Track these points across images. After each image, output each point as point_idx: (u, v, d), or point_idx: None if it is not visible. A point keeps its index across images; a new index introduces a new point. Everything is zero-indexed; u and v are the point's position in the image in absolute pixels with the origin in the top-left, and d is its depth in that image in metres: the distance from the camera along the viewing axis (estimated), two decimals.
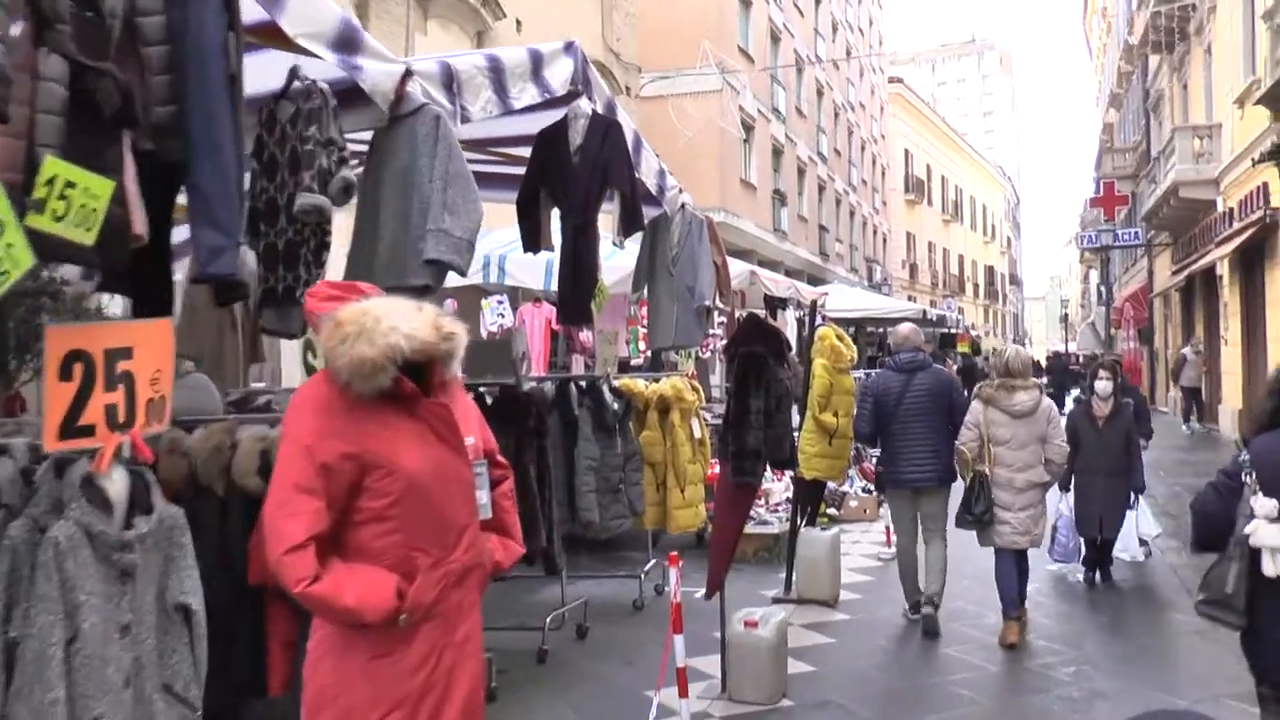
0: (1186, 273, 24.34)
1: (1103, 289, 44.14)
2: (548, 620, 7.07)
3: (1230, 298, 21.71)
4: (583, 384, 7.16)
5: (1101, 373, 8.91)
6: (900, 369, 7.86)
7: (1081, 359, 41.43)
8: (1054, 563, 9.33)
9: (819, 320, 9.73)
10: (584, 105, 6.07)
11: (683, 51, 26.92)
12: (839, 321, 28.78)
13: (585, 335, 12.85)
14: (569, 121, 6.09)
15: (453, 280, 12.43)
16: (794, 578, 8.35)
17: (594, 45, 20.61)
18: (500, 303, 12.65)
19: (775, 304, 18.16)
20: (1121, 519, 8.87)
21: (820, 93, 39.86)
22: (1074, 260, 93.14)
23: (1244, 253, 19.28)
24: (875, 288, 43.29)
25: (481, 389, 6.03)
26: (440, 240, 4.45)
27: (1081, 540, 9.09)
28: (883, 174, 54.10)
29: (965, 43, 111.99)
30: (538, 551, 5.83)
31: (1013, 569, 7.33)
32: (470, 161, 7.18)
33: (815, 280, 32.00)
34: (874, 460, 17.26)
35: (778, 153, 33.75)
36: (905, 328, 8.33)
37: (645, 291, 8.09)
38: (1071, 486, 8.93)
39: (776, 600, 8.24)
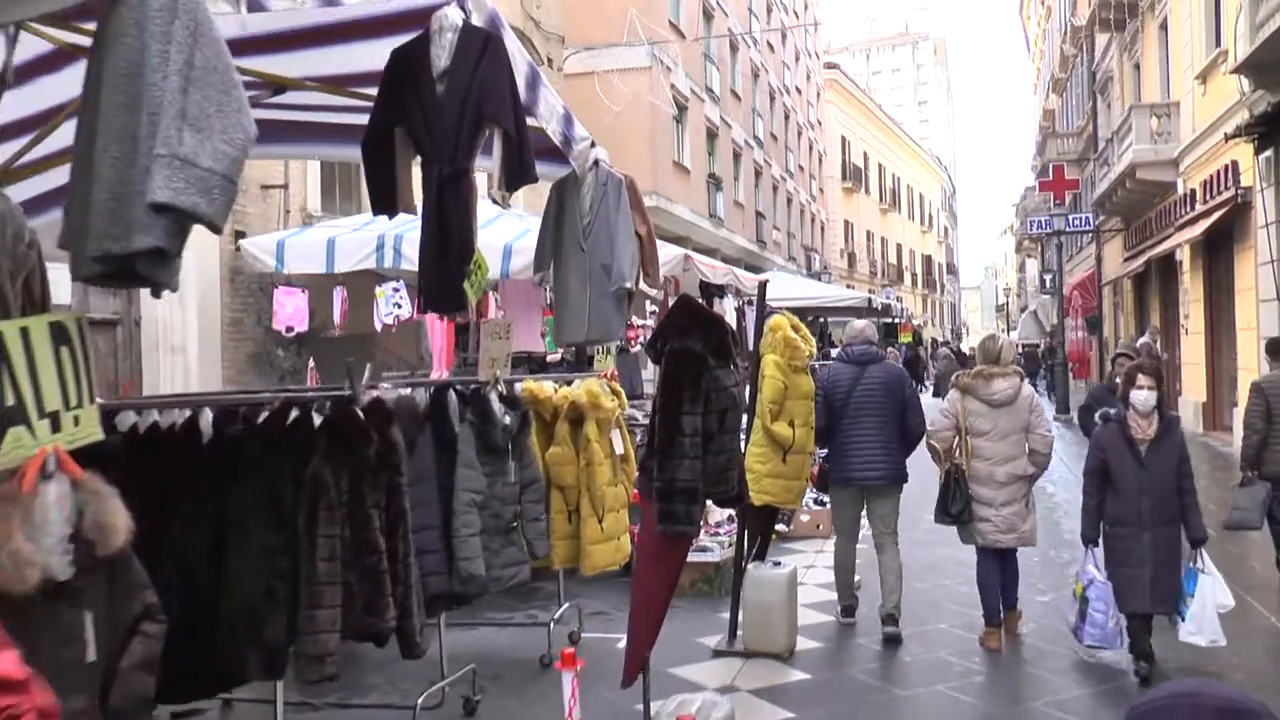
0: (1144, 259, 23.15)
1: (1046, 277, 43.25)
2: (419, 701, 5.39)
3: (1192, 284, 20.52)
4: (466, 392, 5.49)
5: (1140, 379, 6.37)
6: (852, 361, 7.48)
7: (1022, 349, 40.48)
8: (1086, 647, 6.62)
9: (768, 308, 8.15)
10: (452, 14, 4.39)
11: (610, 25, 25.23)
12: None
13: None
14: (431, 37, 4.41)
15: (342, 265, 10.59)
16: (740, 627, 6.76)
17: (511, 10, 18.87)
18: (397, 290, 10.92)
19: (712, 292, 16.60)
20: (1178, 584, 6.29)
21: (755, 74, 38.39)
22: (1010, 250, 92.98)
23: (1209, 236, 18.04)
24: (814, 276, 41.91)
25: (308, 404, 4.32)
26: (175, 173, 2.77)
27: (1123, 619, 6.41)
28: (820, 161, 52.89)
29: (899, 33, 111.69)
30: (384, 631, 4.16)
31: (995, 570, 6.95)
32: (321, 108, 5.54)
33: (753, 269, 30.46)
34: (817, 460, 15.92)
35: (712, 135, 32.20)
36: (861, 322, 8.11)
37: (551, 273, 6.48)
38: (1102, 541, 6.50)
39: (718, 653, 6.65)
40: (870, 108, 65.53)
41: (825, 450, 7.79)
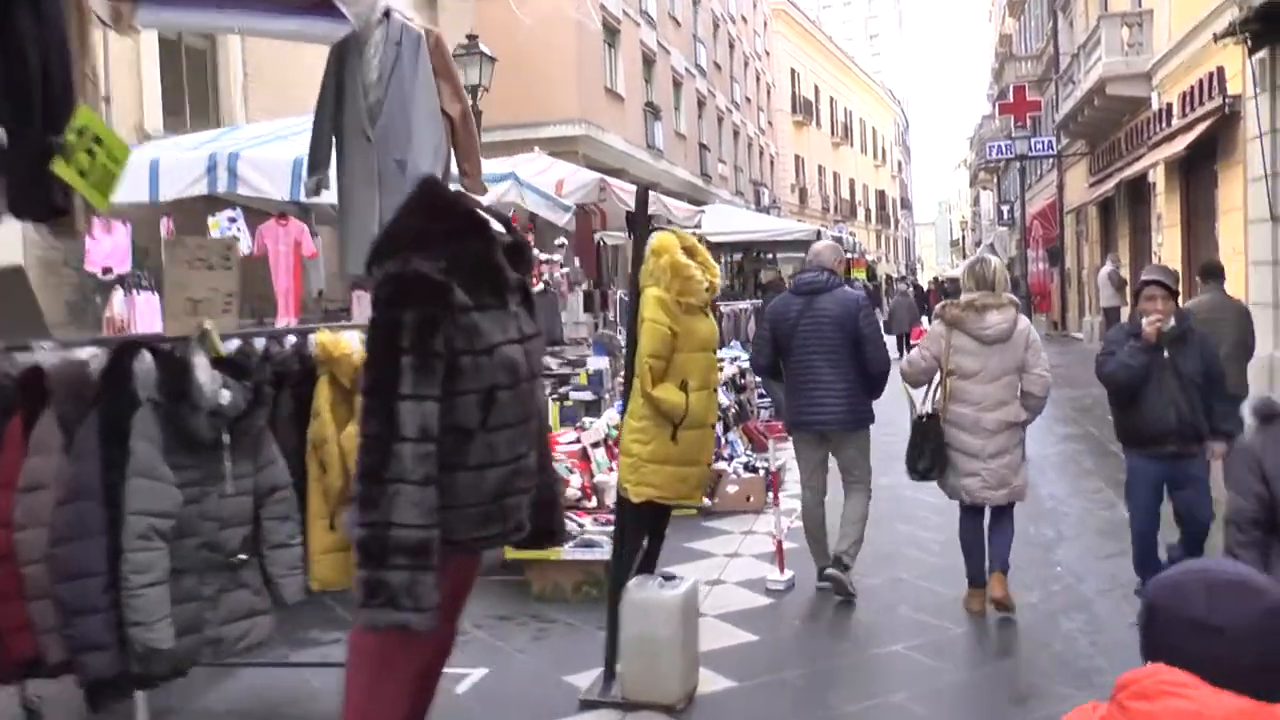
0: (1113, 182, 21.38)
1: (1004, 209, 41.62)
2: None
3: (1167, 208, 18.81)
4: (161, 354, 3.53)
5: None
6: (798, 291, 6.59)
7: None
8: None
9: (654, 225, 6.24)
10: None
11: None
12: (719, 247, 25.61)
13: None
14: None
15: (167, 192, 8.53)
16: (618, 666, 4.88)
17: None
18: (233, 220, 8.91)
19: (640, 223, 14.65)
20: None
21: (697, 0, 36.12)
22: (964, 185, 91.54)
23: (1190, 153, 16.26)
24: (764, 211, 39.93)
25: None
26: None
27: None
28: (768, 93, 50.71)
29: None
30: None
31: (979, 529, 6.12)
32: None
33: (697, 204, 28.47)
34: (761, 414, 14.16)
35: (649, 62, 29.99)
36: (820, 244, 7.17)
37: (333, 176, 4.55)
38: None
39: (588, 703, 4.77)
40: (820, 39, 63.24)
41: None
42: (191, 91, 11.61)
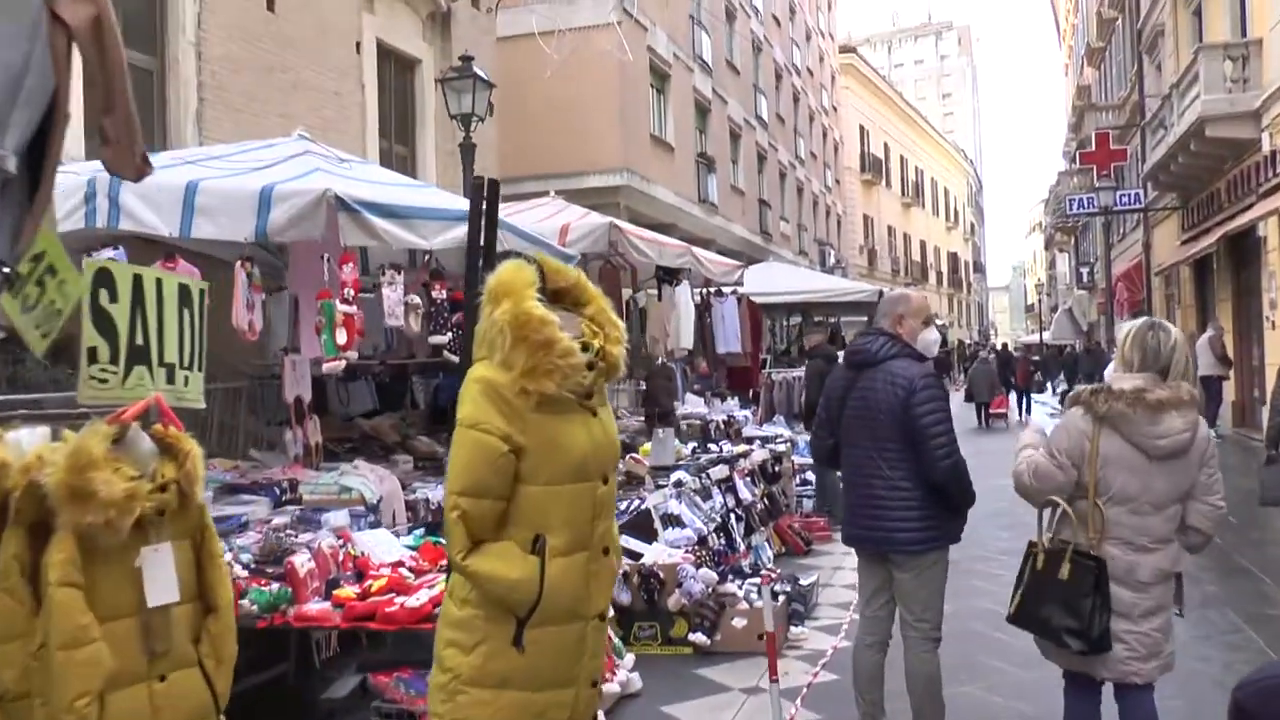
0: (1212, 237, 18.98)
1: (1082, 271, 39.09)
2: None
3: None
4: None
5: None
6: (847, 362, 5.12)
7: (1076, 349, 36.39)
8: None
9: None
10: None
11: None
12: (773, 308, 23.48)
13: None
14: None
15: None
16: None
17: None
18: (116, 260, 7.04)
19: (660, 275, 12.69)
20: None
21: (758, 48, 34.39)
22: (1039, 248, 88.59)
23: None
24: (829, 273, 37.81)
25: None
26: None
27: None
28: (835, 150, 48.82)
29: (922, 23, 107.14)
30: None
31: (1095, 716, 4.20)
32: None
33: (755, 263, 26.47)
34: (805, 504, 12.02)
35: (703, 110, 28.23)
36: (895, 293, 5.41)
37: None
38: None
39: None
40: (890, 96, 61.38)
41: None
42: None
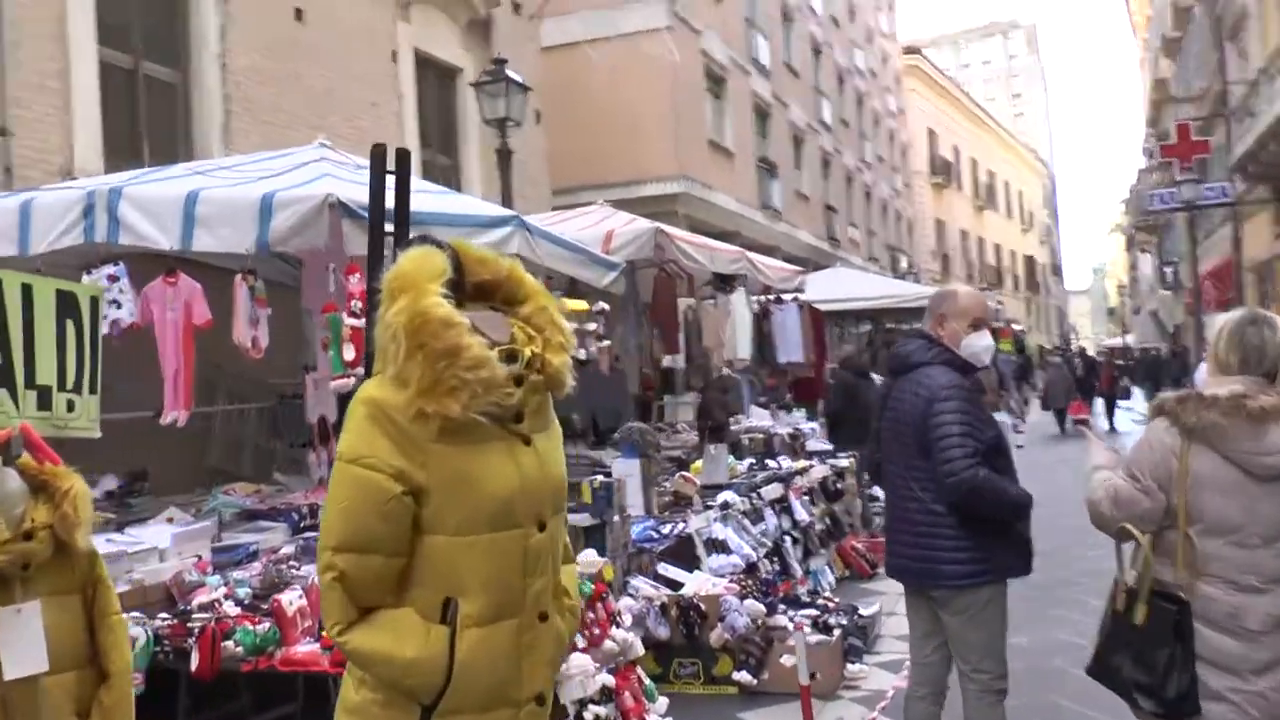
0: None
1: (1166, 270, 37.64)
2: None
3: None
4: None
5: None
6: (888, 369, 4.62)
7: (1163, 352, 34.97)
8: None
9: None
10: None
11: None
12: (841, 316, 22.67)
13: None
14: None
15: (39, 243, 6.47)
16: None
17: None
18: (114, 280, 6.57)
19: (716, 282, 12.06)
20: None
21: (818, 51, 33.61)
22: (1119, 249, 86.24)
23: None
24: (900, 279, 36.76)
25: None
26: None
27: None
28: (903, 153, 47.74)
29: (989, 22, 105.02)
30: None
31: None
32: None
33: (822, 270, 25.67)
34: (876, 521, 11.19)
35: (763, 114, 27.53)
36: (940, 292, 4.53)
37: None
38: None
39: None
40: (958, 97, 60.05)
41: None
42: (154, 126, 9.54)
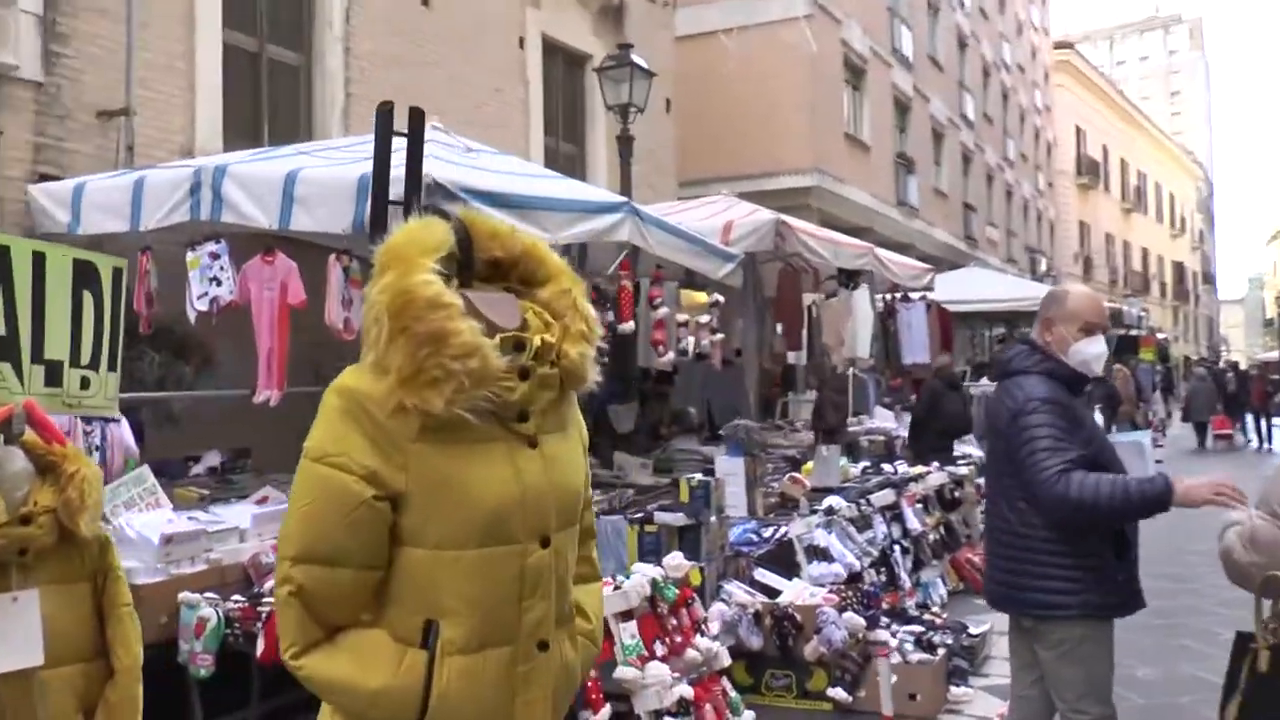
0: None
1: None
2: None
3: None
4: None
5: None
6: (995, 376, 4.55)
7: None
8: None
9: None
10: None
11: None
12: (972, 318, 21.93)
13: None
14: None
15: (149, 219, 6.46)
16: None
17: None
18: (215, 257, 6.59)
19: (840, 277, 11.67)
20: None
21: (963, 44, 32.65)
22: None
23: None
24: (1039, 281, 35.50)
25: None
26: None
27: None
28: (1048, 152, 46.17)
29: (1149, 17, 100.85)
30: None
31: None
32: None
33: (957, 270, 24.91)
34: (980, 539, 10.61)
35: (902, 108, 26.83)
36: (1050, 293, 4.10)
37: None
38: None
39: None
40: (1111, 94, 57.80)
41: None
42: (276, 108, 9.61)
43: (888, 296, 12.65)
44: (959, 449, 11.25)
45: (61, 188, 7.20)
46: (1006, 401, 3.69)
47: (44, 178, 7.55)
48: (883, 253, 12.26)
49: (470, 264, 2.01)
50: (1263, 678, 3.01)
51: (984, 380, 16.04)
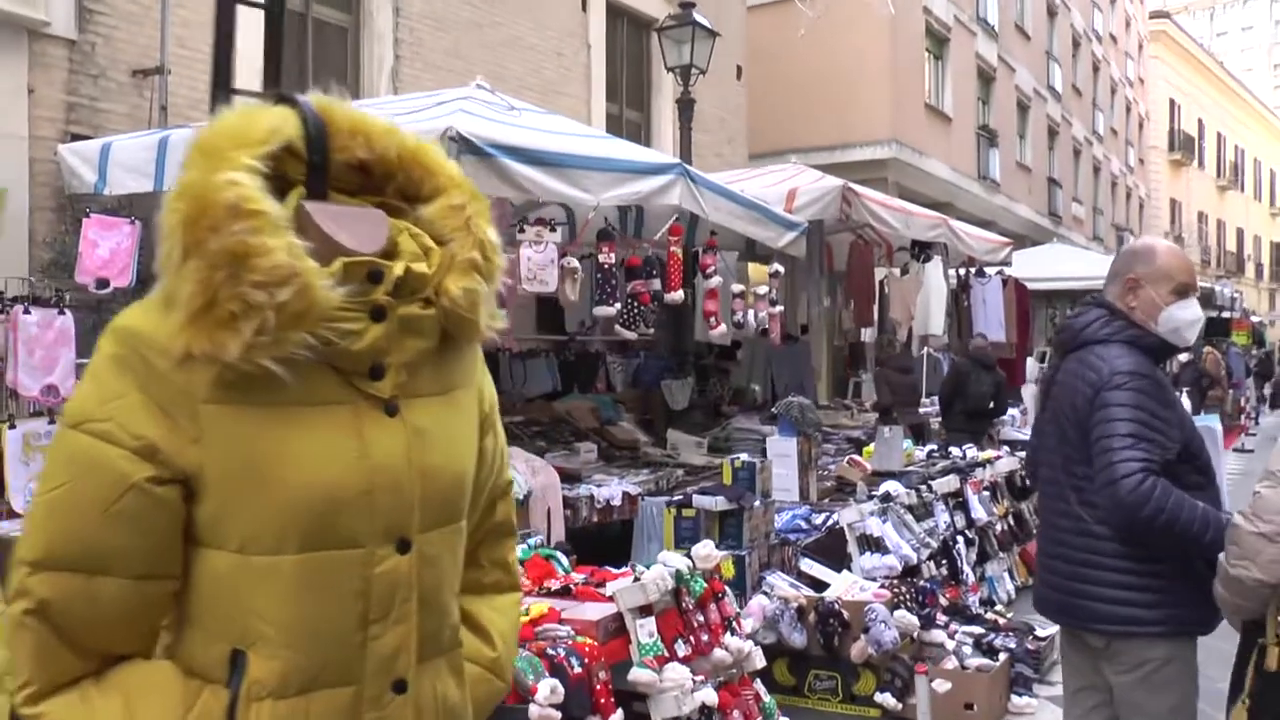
0: None
1: None
2: None
3: None
4: None
5: None
6: (1054, 345, 3.97)
7: None
8: None
9: None
10: None
11: None
12: (1053, 295, 21.11)
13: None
14: None
15: (171, 176, 6.07)
16: None
17: None
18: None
19: (912, 250, 11.11)
20: None
21: (1052, 11, 31.45)
22: None
23: None
24: None
25: None
26: None
27: None
28: (1140, 125, 44.58)
29: None
30: None
31: None
32: None
33: (1038, 246, 24.03)
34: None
35: (986, 79, 25.88)
36: (1131, 248, 3.45)
37: None
38: None
39: None
40: (1209, 66, 55.64)
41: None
42: (320, 70, 9.30)
43: (961, 271, 12.02)
44: (1010, 434, 10.71)
45: (89, 147, 6.98)
46: (1087, 375, 3.10)
47: (76, 138, 7.34)
48: (958, 224, 11.65)
49: (324, 167, 1.47)
50: (1271, 677, 2.56)
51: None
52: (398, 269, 1.43)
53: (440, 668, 1.53)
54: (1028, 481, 7.47)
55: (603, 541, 6.40)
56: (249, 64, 8.52)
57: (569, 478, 6.68)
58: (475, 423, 1.61)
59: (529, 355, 8.69)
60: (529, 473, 6.14)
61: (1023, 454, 9.01)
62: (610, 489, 6.63)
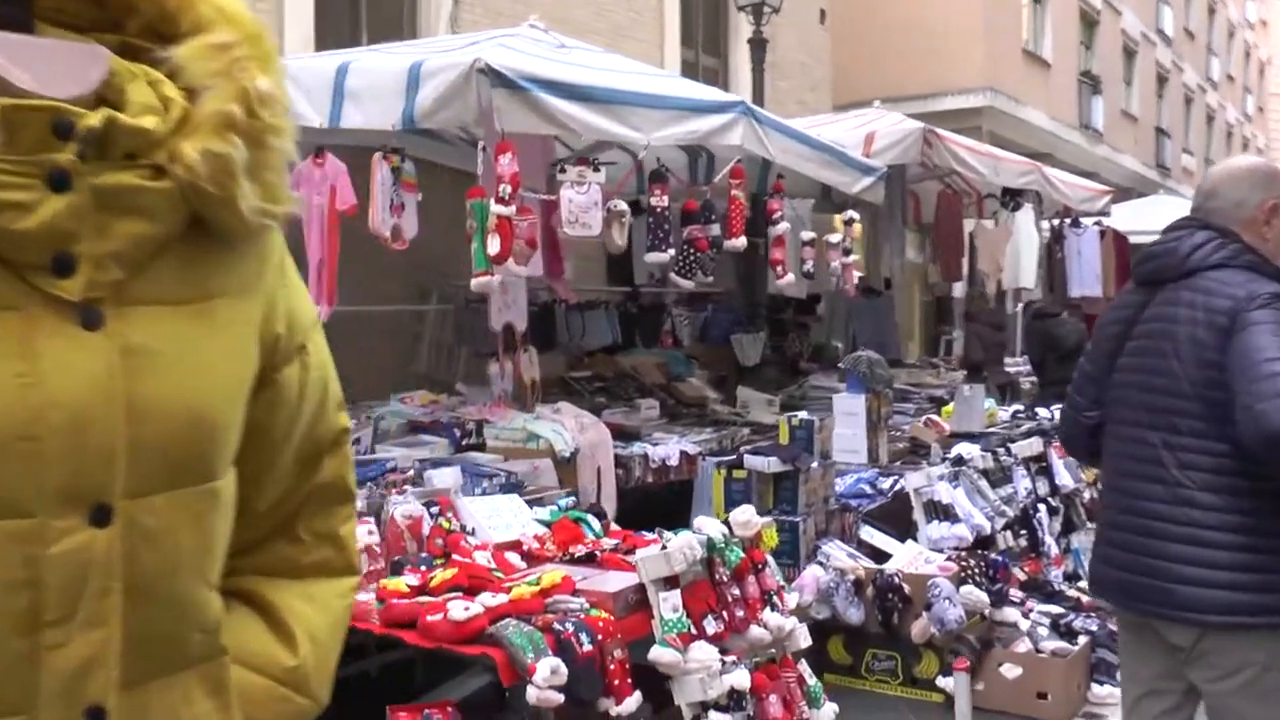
0: None
1: None
2: None
3: None
4: None
5: None
6: (1136, 277, 2.94)
7: None
8: None
9: None
10: None
11: None
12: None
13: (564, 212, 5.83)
14: None
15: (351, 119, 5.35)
16: None
17: None
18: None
19: (1003, 199, 10.47)
20: None
21: None
22: None
23: None
24: None
25: None
26: None
27: None
28: (1260, 71, 42.50)
29: None
30: None
31: None
32: None
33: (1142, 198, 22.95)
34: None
35: (1090, 22, 24.68)
36: (1251, 169, 2.81)
37: None
38: None
39: None
40: None
41: None
42: (374, 14, 9.00)
43: (1055, 222, 11.34)
44: None
45: None
46: (1212, 302, 2.57)
47: None
48: (1051, 171, 10.97)
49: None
50: None
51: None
52: (93, 119, 0.95)
53: (187, 687, 1.09)
54: (1059, 444, 6.58)
55: (663, 505, 6.04)
56: (301, 6, 8.30)
57: (626, 435, 6.33)
58: (248, 345, 1.13)
59: (587, 307, 8.33)
60: (576, 429, 5.80)
61: None
62: (667, 448, 6.24)
